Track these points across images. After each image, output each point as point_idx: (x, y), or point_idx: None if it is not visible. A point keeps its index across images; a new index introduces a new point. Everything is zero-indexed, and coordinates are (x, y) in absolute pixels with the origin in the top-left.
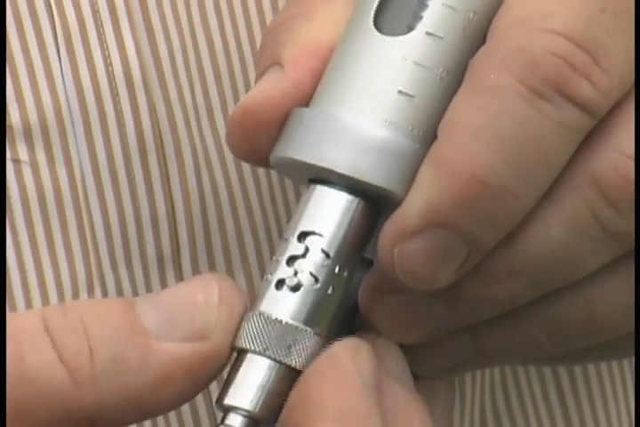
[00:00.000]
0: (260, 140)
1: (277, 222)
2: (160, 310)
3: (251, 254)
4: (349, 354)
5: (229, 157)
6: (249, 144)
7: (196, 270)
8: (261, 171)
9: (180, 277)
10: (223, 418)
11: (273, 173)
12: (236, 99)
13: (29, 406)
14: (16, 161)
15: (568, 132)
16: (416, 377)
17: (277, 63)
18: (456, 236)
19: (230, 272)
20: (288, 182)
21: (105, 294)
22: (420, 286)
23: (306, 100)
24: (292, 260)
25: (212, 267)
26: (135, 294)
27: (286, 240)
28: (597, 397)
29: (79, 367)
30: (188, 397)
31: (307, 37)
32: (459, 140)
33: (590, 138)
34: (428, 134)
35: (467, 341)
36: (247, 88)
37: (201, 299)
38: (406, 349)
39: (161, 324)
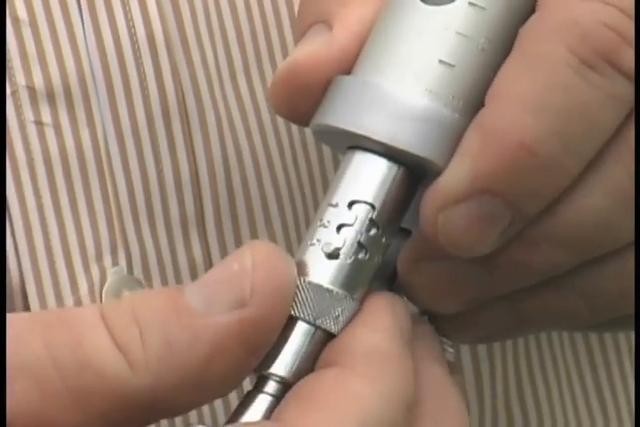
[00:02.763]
0: (303, 102)
1: (300, 187)
2: (203, 288)
3: (274, 218)
4: (386, 303)
5: (253, 120)
6: (292, 105)
7: (220, 233)
8: (284, 136)
9: (204, 240)
10: (257, 384)
11: (295, 138)
12: (259, 63)
13: (87, 394)
14: (39, 123)
15: (616, 104)
16: None
17: (324, 22)
18: (501, 203)
19: (254, 235)
20: (311, 147)
21: (129, 256)
22: (463, 253)
23: (350, 67)
24: (341, 227)
25: (237, 230)
26: (159, 256)
27: (335, 206)
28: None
29: (132, 352)
30: (242, 369)
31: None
32: (508, 108)
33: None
34: (468, 104)
35: (506, 309)
36: (270, 52)
37: (236, 268)
38: (445, 316)
39: (205, 301)
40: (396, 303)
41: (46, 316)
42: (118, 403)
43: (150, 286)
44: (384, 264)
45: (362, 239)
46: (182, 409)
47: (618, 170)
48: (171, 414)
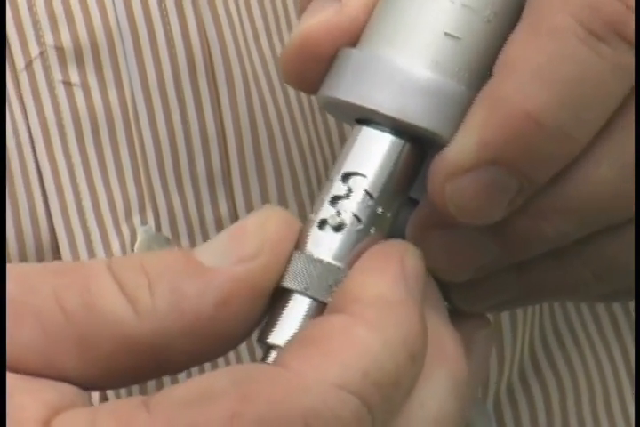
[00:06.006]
0: (313, 72)
1: (320, 145)
2: (214, 245)
3: (299, 172)
4: (397, 250)
5: (277, 82)
6: (302, 74)
7: (246, 189)
8: (304, 95)
9: (230, 197)
10: (264, 356)
11: (314, 98)
12: (277, 25)
13: (92, 337)
14: (67, 84)
15: (624, 74)
16: (457, 325)
17: None
18: (508, 172)
19: (281, 190)
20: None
21: (157, 214)
22: (471, 221)
23: (357, 38)
24: (335, 200)
25: (263, 185)
26: (186, 213)
27: (331, 180)
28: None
29: (139, 299)
30: (248, 319)
31: None
32: (516, 79)
33: None
34: (474, 76)
35: (514, 278)
36: (287, 15)
37: (250, 227)
38: (454, 285)
39: (214, 255)
40: (407, 250)
41: (56, 265)
42: (122, 347)
43: (178, 243)
44: (393, 235)
45: (355, 210)
46: (188, 361)
47: (626, 141)
48: (178, 366)
